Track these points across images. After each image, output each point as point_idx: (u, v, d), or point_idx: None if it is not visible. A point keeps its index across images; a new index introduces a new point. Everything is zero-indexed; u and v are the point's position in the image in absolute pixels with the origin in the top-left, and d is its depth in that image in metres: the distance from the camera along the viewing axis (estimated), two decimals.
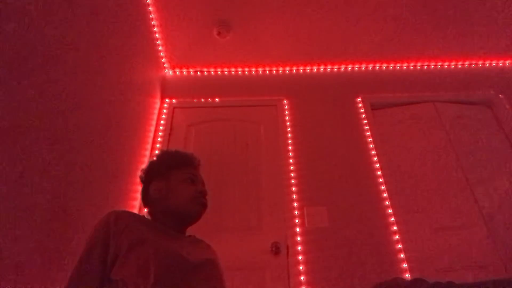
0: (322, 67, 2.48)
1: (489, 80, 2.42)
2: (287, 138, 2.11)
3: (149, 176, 0.93)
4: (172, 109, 2.24)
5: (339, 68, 2.49)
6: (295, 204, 1.86)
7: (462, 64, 2.50)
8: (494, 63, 2.51)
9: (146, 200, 0.93)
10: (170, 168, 0.92)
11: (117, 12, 1.53)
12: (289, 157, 2.03)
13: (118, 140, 1.53)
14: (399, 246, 1.73)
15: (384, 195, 1.90)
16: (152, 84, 2.12)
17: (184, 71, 2.44)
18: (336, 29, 2.21)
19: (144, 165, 1.01)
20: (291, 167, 2.00)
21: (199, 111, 2.26)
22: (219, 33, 2.13)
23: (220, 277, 0.81)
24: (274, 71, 2.47)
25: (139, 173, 0.98)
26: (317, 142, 2.11)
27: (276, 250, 1.69)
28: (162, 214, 0.87)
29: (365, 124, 2.18)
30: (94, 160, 1.27)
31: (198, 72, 2.44)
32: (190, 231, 0.94)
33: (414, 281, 0.68)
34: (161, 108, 2.23)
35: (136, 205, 1.70)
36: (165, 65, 2.39)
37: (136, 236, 0.73)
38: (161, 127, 2.13)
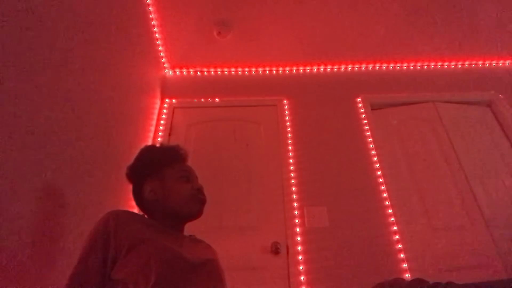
0: (322, 67, 2.48)
1: (489, 80, 2.42)
2: (287, 138, 2.11)
3: (140, 176, 0.91)
4: (172, 109, 2.24)
5: (339, 68, 2.49)
6: (295, 204, 1.86)
7: (462, 64, 2.50)
8: (494, 63, 2.51)
9: (140, 200, 0.91)
10: (162, 166, 0.90)
11: (117, 12, 1.53)
12: (289, 157, 2.03)
13: (118, 140, 1.53)
14: (399, 246, 1.73)
15: (384, 195, 1.90)
16: (152, 84, 2.12)
17: (184, 71, 2.44)
18: (336, 29, 2.21)
19: (131, 163, 0.94)
20: (291, 167, 2.00)
21: (199, 111, 2.26)
22: (219, 33, 2.13)
23: (220, 277, 0.81)
24: (274, 71, 2.47)
25: (125, 171, 0.93)
26: (317, 142, 2.11)
27: (276, 250, 1.69)
28: (160, 214, 0.86)
29: (365, 124, 2.18)
30: (93, 160, 1.27)
31: (198, 72, 2.44)
32: (190, 230, 0.94)
33: (414, 281, 0.68)
34: (161, 108, 2.23)
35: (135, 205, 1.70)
36: (165, 65, 2.38)
37: (136, 236, 0.73)
38: (161, 127, 2.13)
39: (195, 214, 0.88)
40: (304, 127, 2.17)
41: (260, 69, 2.46)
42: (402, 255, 1.70)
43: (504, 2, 2.07)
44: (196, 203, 0.88)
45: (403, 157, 2.07)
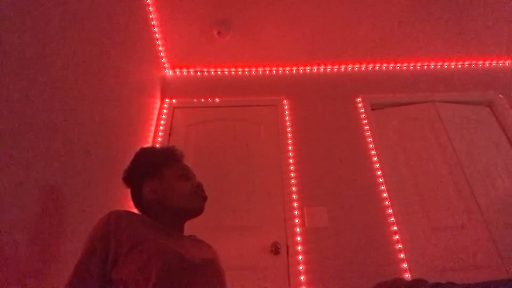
0: (322, 67, 2.48)
1: (489, 80, 2.42)
2: (287, 138, 2.11)
3: (138, 177, 0.90)
4: (172, 109, 2.24)
5: (339, 68, 2.49)
6: (295, 204, 1.86)
7: (462, 64, 2.50)
8: (494, 63, 2.51)
9: (139, 201, 0.91)
10: (160, 166, 0.91)
11: (117, 12, 1.53)
12: (289, 157, 2.03)
13: (118, 140, 1.53)
14: (399, 246, 1.73)
15: (384, 195, 1.90)
16: (152, 84, 2.12)
17: (184, 71, 2.44)
18: (336, 29, 2.22)
19: (127, 166, 0.93)
20: (291, 167, 2.00)
21: (199, 111, 2.26)
22: (219, 33, 2.13)
23: (221, 277, 0.81)
24: (274, 71, 2.47)
25: (122, 175, 0.92)
26: (317, 142, 2.11)
27: (276, 250, 1.69)
28: (160, 214, 0.86)
29: (365, 124, 2.18)
30: (93, 160, 1.27)
31: (198, 72, 2.44)
32: (190, 230, 0.94)
33: (414, 281, 0.68)
34: (161, 108, 2.23)
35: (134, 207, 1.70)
36: (165, 65, 2.39)
37: (137, 236, 0.73)
38: (161, 127, 2.13)
39: (197, 210, 0.89)
40: (304, 127, 2.17)
41: (260, 69, 2.46)
42: (402, 255, 1.70)
43: (504, 2, 2.07)
44: (198, 199, 0.89)
45: (403, 157, 2.07)
